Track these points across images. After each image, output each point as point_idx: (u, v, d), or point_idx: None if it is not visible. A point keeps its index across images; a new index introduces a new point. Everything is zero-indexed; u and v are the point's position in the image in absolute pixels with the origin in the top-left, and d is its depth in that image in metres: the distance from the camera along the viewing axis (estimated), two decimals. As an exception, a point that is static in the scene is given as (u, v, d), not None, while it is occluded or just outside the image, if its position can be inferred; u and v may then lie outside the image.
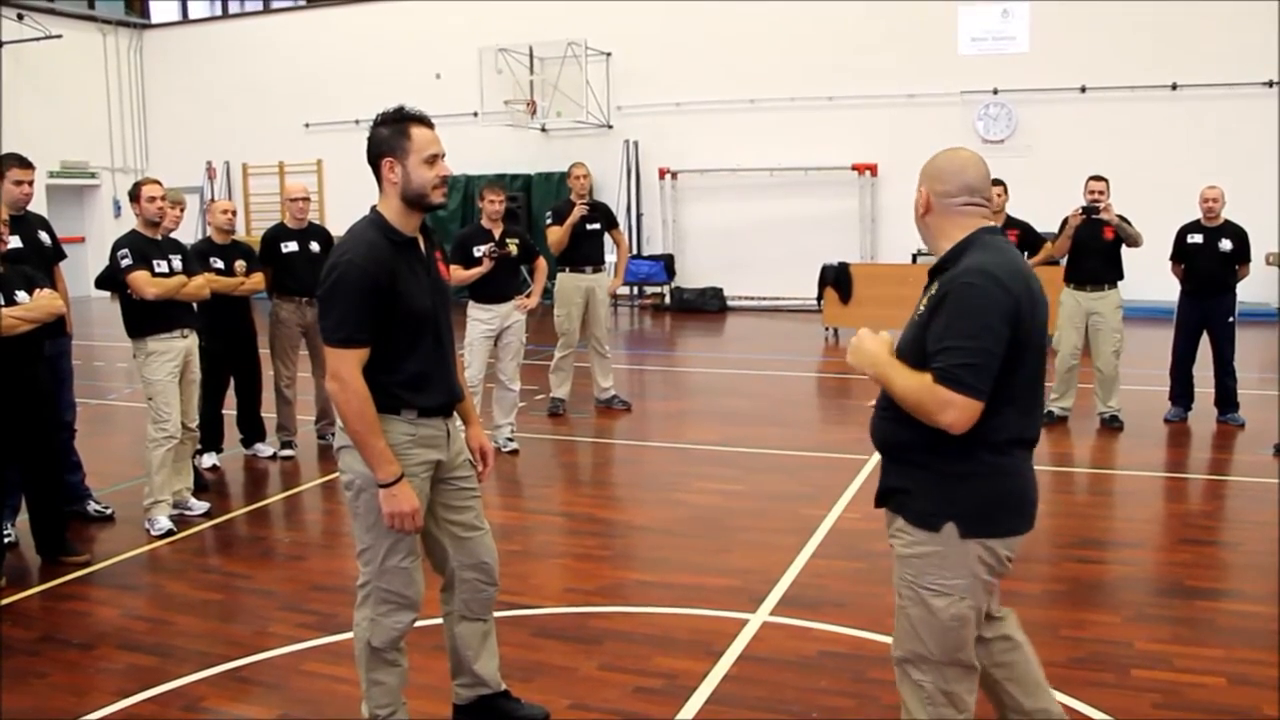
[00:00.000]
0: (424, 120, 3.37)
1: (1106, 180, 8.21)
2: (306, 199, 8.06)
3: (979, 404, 2.66)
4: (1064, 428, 8.38)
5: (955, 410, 2.65)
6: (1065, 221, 8.32)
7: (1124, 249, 8.21)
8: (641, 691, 4.08)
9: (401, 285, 3.30)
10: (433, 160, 3.33)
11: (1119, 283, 8.35)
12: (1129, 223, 8.12)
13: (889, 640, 4.41)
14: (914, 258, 15.46)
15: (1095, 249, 8.21)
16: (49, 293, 5.52)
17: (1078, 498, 6.88)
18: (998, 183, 8.80)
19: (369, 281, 3.24)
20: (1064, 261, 8.49)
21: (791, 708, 3.91)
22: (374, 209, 3.40)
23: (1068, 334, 8.39)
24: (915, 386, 2.72)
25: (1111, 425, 8.29)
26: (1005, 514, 2.84)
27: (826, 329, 14.23)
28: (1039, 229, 8.81)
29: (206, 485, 7.06)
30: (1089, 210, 8.09)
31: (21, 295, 5.36)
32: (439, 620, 3.76)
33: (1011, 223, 8.74)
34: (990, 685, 3.13)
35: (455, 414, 3.62)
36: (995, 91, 15.94)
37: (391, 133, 3.33)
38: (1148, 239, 8.23)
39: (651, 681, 4.16)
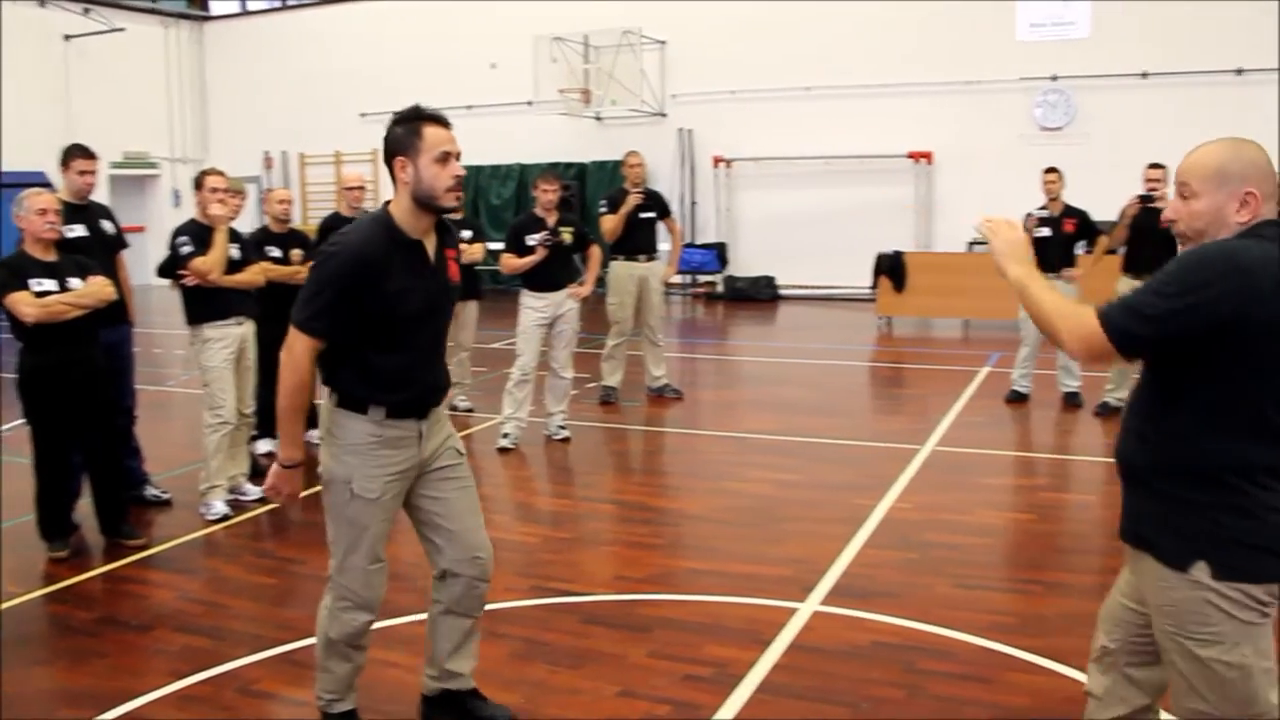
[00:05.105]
0: (439, 120, 3.30)
1: (1165, 168, 8.04)
2: (362, 188, 8.15)
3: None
4: (1118, 417, 8.22)
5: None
6: (1123, 211, 8.18)
7: None
8: (691, 679, 4.07)
9: (392, 284, 3.25)
10: (445, 159, 3.25)
11: None
12: None
13: (941, 631, 4.44)
14: (970, 245, 15.29)
15: (1154, 238, 8.05)
16: (101, 280, 5.60)
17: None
18: (1052, 170, 8.70)
19: (348, 277, 3.23)
20: (1122, 251, 8.35)
21: (842, 698, 3.88)
22: (385, 205, 3.35)
23: None
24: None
25: None
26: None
27: (880, 318, 14.12)
28: (1096, 218, 8.69)
29: (261, 470, 7.13)
30: (1146, 199, 7.94)
31: (75, 282, 5.45)
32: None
33: (1069, 211, 8.62)
34: None
35: (435, 413, 3.53)
36: (1054, 78, 15.68)
37: (405, 132, 3.27)
38: None
39: (701, 669, 4.15)
